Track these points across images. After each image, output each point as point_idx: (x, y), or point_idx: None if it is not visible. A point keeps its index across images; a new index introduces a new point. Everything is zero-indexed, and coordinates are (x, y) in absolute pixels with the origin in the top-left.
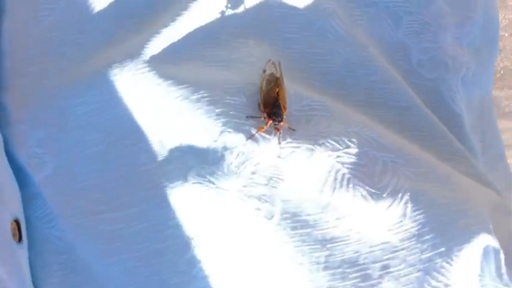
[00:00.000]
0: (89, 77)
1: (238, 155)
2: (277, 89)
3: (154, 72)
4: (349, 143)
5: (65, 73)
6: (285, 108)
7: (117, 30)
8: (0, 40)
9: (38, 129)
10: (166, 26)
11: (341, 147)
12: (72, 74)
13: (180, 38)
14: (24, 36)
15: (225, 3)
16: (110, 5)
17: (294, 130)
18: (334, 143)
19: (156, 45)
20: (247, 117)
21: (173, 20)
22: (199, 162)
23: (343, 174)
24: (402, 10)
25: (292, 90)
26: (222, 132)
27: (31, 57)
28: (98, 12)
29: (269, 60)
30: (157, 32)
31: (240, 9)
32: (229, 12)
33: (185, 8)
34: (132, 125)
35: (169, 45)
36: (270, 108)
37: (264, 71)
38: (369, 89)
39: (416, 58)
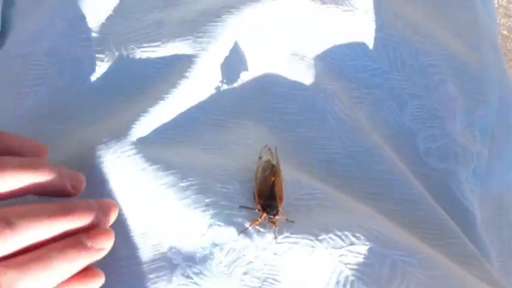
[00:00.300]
0: (70, 158)
1: (228, 252)
2: (273, 178)
3: (140, 155)
4: (354, 239)
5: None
6: (281, 199)
7: (105, 106)
8: None
9: None
10: (154, 104)
11: (344, 244)
12: (54, 154)
13: (169, 117)
14: (8, 115)
15: (220, 81)
16: (98, 80)
17: (292, 222)
18: (336, 238)
19: (144, 125)
20: (240, 207)
21: (161, 98)
22: (185, 259)
23: (347, 277)
24: (407, 93)
25: (290, 177)
26: (210, 225)
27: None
28: (85, 87)
29: (265, 146)
30: (145, 111)
31: (236, 87)
32: (224, 90)
33: (174, 86)
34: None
35: (157, 125)
36: (265, 199)
37: (260, 157)
38: (373, 179)
39: (424, 146)
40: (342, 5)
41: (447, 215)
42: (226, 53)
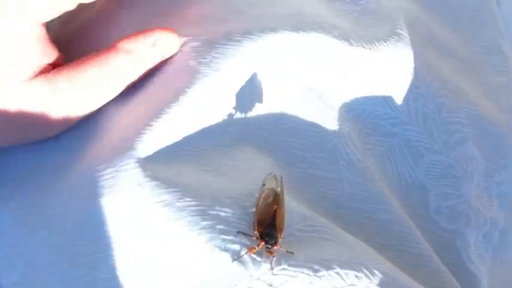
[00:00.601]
0: (73, 171)
1: (221, 279)
2: (275, 207)
3: (139, 170)
4: (355, 279)
5: (49, 169)
6: (281, 229)
7: (113, 119)
8: None
9: (16, 227)
10: (157, 117)
11: (345, 284)
12: (56, 171)
13: (173, 134)
14: None
15: (232, 108)
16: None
17: (292, 253)
18: (337, 276)
19: (148, 140)
20: (237, 232)
21: (164, 112)
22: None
23: None
24: (424, 147)
25: (294, 208)
26: (204, 249)
27: (26, 152)
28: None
29: (270, 174)
30: (149, 125)
31: (246, 116)
32: (233, 116)
33: (174, 101)
34: (100, 230)
35: (160, 142)
36: (264, 228)
37: (264, 184)
38: (379, 228)
39: (435, 203)
40: (369, 49)
41: (452, 276)
42: (242, 81)
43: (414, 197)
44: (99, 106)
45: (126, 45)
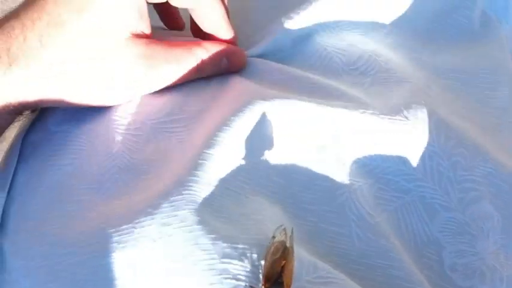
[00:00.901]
0: (88, 230)
1: None
2: (284, 262)
3: (155, 226)
4: None
5: (66, 222)
6: (288, 286)
7: (133, 183)
8: (11, 186)
9: (27, 278)
10: (175, 182)
11: None
12: (74, 224)
13: (190, 195)
14: (37, 182)
15: (242, 158)
16: (123, 155)
17: None
18: None
19: (166, 199)
20: (245, 285)
21: (182, 180)
22: None
23: None
24: (440, 204)
25: (305, 257)
26: None
27: (39, 202)
28: (114, 164)
29: (280, 226)
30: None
31: (258, 167)
32: (244, 168)
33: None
34: (112, 285)
35: (180, 203)
36: (271, 284)
37: (274, 237)
38: (391, 284)
39: (450, 260)
40: (382, 114)
41: None
42: (255, 135)
43: (429, 253)
44: (160, 88)
45: (208, 45)
